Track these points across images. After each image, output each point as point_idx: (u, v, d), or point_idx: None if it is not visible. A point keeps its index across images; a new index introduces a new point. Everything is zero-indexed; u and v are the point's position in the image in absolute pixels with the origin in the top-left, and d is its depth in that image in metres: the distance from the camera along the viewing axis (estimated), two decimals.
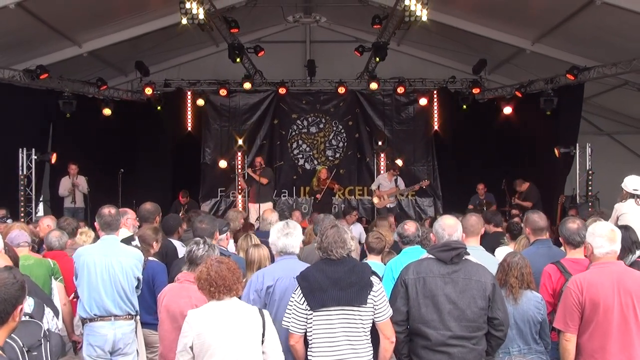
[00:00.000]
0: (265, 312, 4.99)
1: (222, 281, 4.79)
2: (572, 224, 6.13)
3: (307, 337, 5.03)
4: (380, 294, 5.03)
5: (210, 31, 16.33)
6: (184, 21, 14.04)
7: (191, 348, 4.78)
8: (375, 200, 17.58)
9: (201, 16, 14.03)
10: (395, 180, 17.40)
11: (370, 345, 5.06)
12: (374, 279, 5.06)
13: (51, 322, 4.95)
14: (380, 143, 19.88)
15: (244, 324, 4.81)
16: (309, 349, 5.03)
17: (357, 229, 13.57)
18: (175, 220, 8.46)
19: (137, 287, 6.37)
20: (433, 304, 5.07)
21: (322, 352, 4.97)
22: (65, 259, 7.46)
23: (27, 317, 4.16)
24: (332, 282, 4.95)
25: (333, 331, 4.96)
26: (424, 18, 13.69)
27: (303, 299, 4.95)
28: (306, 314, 4.96)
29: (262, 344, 4.82)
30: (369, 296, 4.96)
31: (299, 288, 5.01)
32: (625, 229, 6.27)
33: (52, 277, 7.06)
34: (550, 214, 11.55)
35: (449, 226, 5.33)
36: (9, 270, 3.94)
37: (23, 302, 3.98)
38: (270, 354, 4.87)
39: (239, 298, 5.04)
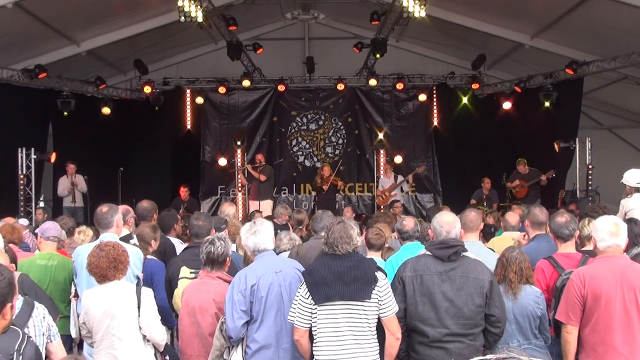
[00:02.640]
0: (145, 289, 5.44)
1: (96, 269, 5.31)
2: (560, 217, 6.14)
3: (312, 332, 5.06)
4: (385, 289, 5.04)
5: (209, 29, 16.31)
6: (184, 19, 14.01)
7: (85, 324, 5.43)
8: (379, 199, 17.62)
9: (199, 15, 13.99)
10: (395, 177, 17.43)
11: (376, 341, 5.08)
12: (379, 274, 5.07)
13: (39, 324, 4.84)
14: (379, 139, 19.85)
15: (121, 302, 5.32)
16: (314, 344, 5.07)
17: None
18: (171, 218, 8.43)
19: (137, 285, 6.34)
20: (430, 301, 5.09)
21: (328, 347, 5.00)
22: (66, 256, 7.43)
23: None
24: (336, 277, 4.99)
25: (338, 326, 4.99)
26: (423, 14, 13.63)
27: (308, 293, 5.00)
28: (311, 309, 5.00)
29: (139, 318, 5.31)
30: (374, 291, 4.98)
31: (304, 283, 5.06)
32: (630, 222, 6.30)
33: (72, 281, 6.97)
34: (551, 209, 11.50)
35: (446, 223, 5.30)
36: None
37: (13, 300, 3.95)
38: (146, 328, 5.37)
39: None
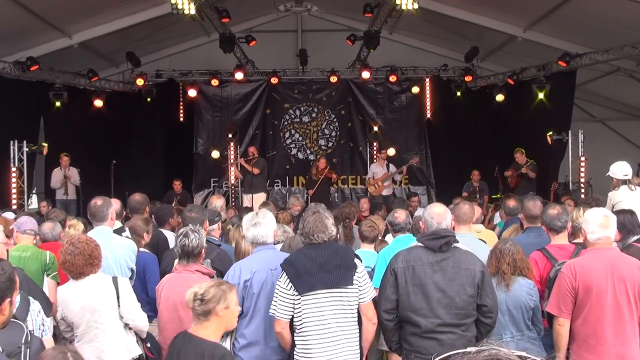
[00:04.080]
0: (121, 279, 5.46)
1: (72, 267, 5.28)
2: (552, 210, 6.18)
3: (294, 323, 5.10)
4: (363, 275, 5.17)
5: (202, 21, 16.26)
6: (175, 11, 13.96)
7: (64, 319, 5.43)
8: (371, 189, 17.59)
9: (192, 7, 13.95)
10: (387, 166, 17.42)
11: (357, 327, 5.17)
12: (357, 261, 5.19)
13: (37, 318, 4.92)
14: (373, 131, 19.86)
15: (99, 295, 5.32)
16: (297, 335, 5.10)
17: None
18: (167, 211, 8.43)
19: (130, 278, 6.32)
20: (422, 292, 5.09)
21: (312, 336, 5.05)
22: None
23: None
24: (318, 266, 5.05)
25: (322, 315, 5.05)
26: (415, 6, 13.61)
27: (290, 284, 5.03)
28: (293, 300, 5.04)
29: (119, 308, 5.32)
30: (354, 277, 5.08)
31: (284, 274, 5.08)
32: (626, 213, 6.35)
33: (45, 273, 6.97)
34: (543, 200, 11.54)
35: (437, 214, 5.32)
36: None
37: (12, 295, 3.94)
38: (129, 317, 5.39)
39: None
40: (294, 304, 5.05)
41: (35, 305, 4.89)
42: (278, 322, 5.09)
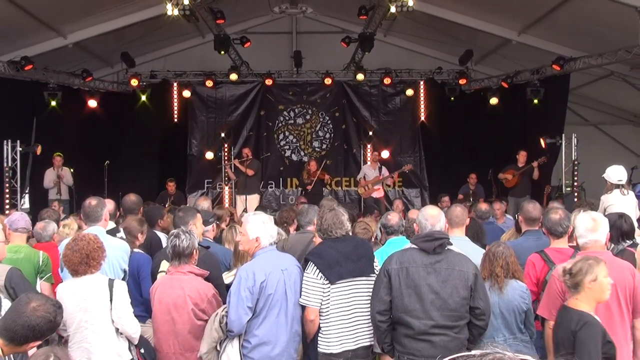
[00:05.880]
0: (117, 282, 5.48)
1: (69, 263, 5.34)
2: (555, 214, 6.18)
3: (321, 311, 5.48)
4: (377, 265, 5.73)
5: (196, 22, 16.25)
6: (170, 12, 13.95)
7: None
8: (361, 190, 17.59)
9: (187, 3, 13.93)
10: (380, 169, 17.44)
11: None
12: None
13: None
14: (369, 134, 19.86)
15: (92, 295, 5.33)
16: (322, 321, 5.47)
17: None
18: (156, 212, 8.40)
19: (122, 279, 6.31)
20: (416, 293, 5.14)
21: (338, 322, 5.45)
22: (55, 249, 7.34)
23: None
24: (344, 257, 5.50)
25: (347, 302, 5.48)
26: (410, 3, 13.59)
27: (320, 274, 5.40)
28: (323, 288, 5.40)
29: (111, 311, 5.32)
30: (375, 266, 5.68)
31: (312, 265, 5.43)
32: (620, 218, 6.36)
33: (38, 275, 6.89)
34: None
35: (431, 216, 5.37)
36: (57, 308, 4.04)
37: (41, 340, 4.00)
38: (118, 321, 5.37)
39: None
40: (323, 292, 5.41)
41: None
42: (312, 310, 5.44)
